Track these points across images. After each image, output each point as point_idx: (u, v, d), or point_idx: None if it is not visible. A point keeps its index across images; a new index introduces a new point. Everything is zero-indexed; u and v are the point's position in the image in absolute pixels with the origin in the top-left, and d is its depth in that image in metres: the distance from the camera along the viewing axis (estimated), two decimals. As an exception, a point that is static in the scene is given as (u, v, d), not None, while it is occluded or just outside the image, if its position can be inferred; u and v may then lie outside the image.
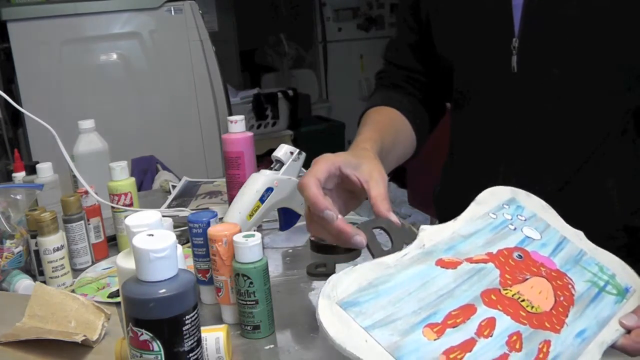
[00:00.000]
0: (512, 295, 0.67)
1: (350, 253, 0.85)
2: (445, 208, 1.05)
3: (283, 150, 1.01)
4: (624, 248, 0.87)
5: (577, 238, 0.78)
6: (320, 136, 4.02)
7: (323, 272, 0.96)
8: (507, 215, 0.78)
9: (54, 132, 1.07)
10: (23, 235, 1.00)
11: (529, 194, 0.81)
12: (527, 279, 0.70)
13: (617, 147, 0.86)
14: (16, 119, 2.44)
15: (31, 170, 1.27)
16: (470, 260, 0.70)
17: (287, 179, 1.00)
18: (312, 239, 1.08)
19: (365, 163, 0.75)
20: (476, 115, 0.95)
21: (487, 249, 0.72)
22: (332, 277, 0.63)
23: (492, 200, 0.80)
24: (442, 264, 0.69)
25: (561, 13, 0.81)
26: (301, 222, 1.09)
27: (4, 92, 1.16)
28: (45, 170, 1.23)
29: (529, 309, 0.66)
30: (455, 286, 0.66)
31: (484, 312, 0.64)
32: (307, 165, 1.09)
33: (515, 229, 0.76)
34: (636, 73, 0.82)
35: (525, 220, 0.78)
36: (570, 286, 0.71)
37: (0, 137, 2.36)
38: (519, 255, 0.73)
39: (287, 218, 1.06)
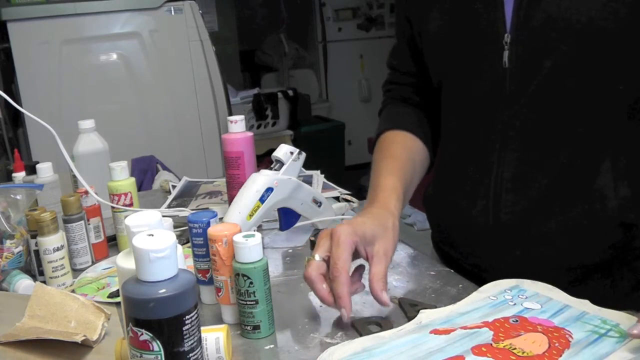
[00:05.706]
0: (504, 347, 0.66)
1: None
2: (437, 209, 1.05)
3: (283, 150, 1.01)
4: (619, 244, 0.87)
5: (581, 305, 0.75)
6: (320, 136, 4.02)
7: (323, 272, 0.96)
8: (507, 296, 0.78)
9: (54, 132, 1.07)
10: (23, 235, 1.00)
11: (535, 282, 0.81)
12: (520, 335, 0.69)
13: (613, 142, 0.86)
14: (16, 119, 2.44)
15: (31, 170, 1.27)
16: (464, 328, 0.70)
17: (287, 179, 1.00)
18: (312, 239, 1.08)
19: (378, 240, 0.83)
20: (467, 112, 0.95)
21: (483, 319, 0.73)
22: (330, 348, 0.69)
23: (495, 289, 0.80)
24: (436, 332, 0.70)
25: (550, 6, 0.81)
26: (301, 222, 1.09)
27: (4, 92, 1.16)
28: (45, 170, 1.23)
29: (519, 354, 0.64)
30: (446, 345, 0.67)
31: (472, 359, 0.64)
32: (307, 165, 1.10)
33: (515, 304, 0.76)
34: (629, 67, 0.82)
35: (526, 298, 0.77)
36: (567, 335, 0.68)
37: (0, 137, 2.36)
38: (515, 320, 0.72)
39: (287, 218, 1.06)
